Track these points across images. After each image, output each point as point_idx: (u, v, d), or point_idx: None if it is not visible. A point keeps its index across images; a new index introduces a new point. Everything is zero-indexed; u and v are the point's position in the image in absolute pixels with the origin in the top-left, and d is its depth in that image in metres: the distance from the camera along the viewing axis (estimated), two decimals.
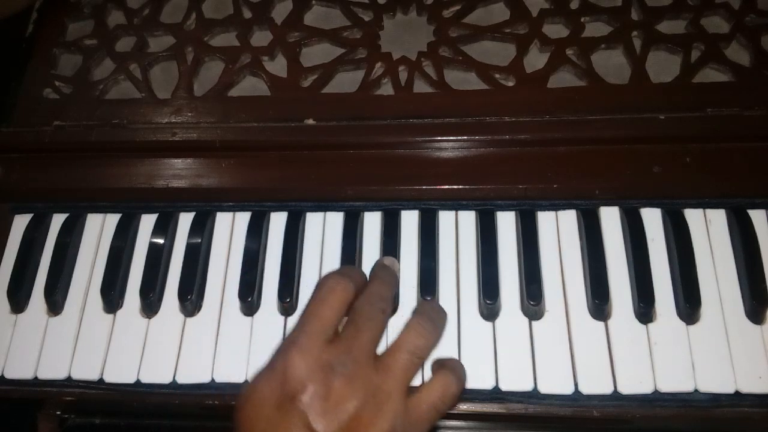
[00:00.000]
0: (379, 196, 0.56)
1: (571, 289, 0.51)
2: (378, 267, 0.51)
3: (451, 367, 0.45)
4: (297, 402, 0.39)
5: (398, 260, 0.54)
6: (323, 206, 0.57)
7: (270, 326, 0.53)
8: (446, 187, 0.55)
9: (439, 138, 0.56)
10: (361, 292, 0.47)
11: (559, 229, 0.54)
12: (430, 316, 0.46)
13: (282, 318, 0.53)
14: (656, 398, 0.47)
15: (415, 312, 0.46)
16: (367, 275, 0.50)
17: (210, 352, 0.52)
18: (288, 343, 0.43)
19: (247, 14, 0.65)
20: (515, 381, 0.49)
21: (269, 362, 0.43)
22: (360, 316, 0.44)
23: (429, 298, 0.51)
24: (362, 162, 0.56)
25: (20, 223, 0.59)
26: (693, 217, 0.53)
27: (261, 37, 0.64)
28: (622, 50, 0.59)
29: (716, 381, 0.47)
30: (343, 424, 0.39)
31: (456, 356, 0.50)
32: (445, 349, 0.50)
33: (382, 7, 0.63)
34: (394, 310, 0.52)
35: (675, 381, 0.47)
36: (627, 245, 0.52)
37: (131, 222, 0.58)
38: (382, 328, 0.45)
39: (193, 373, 0.51)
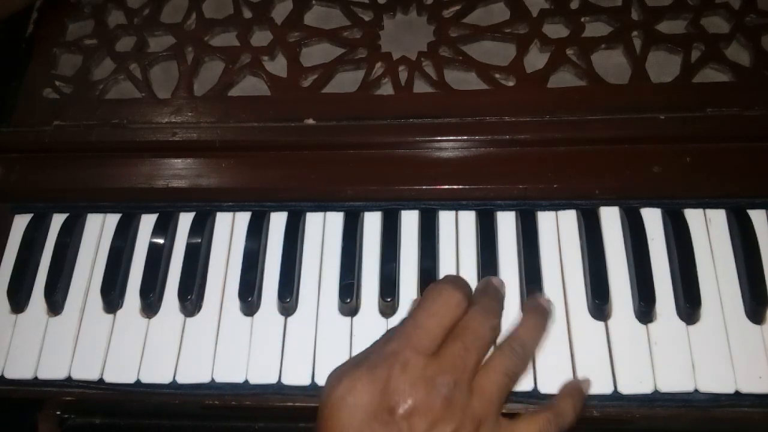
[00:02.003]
0: (379, 196, 0.56)
1: (571, 289, 0.52)
2: (488, 283, 0.49)
3: (556, 411, 0.44)
4: (396, 416, 0.39)
5: (398, 260, 0.54)
6: (323, 206, 0.57)
7: (270, 326, 0.53)
8: (446, 187, 0.55)
9: (439, 138, 0.56)
10: (471, 305, 0.46)
11: (559, 229, 0.54)
12: (522, 342, 0.45)
13: (282, 318, 0.53)
14: (656, 398, 0.47)
15: (508, 338, 0.45)
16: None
17: (210, 352, 0.52)
18: (392, 352, 0.41)
19: (247, 14, 0.65)
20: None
21: (369, 362, 0.41)
22: (471, 333, 0.43)
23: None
24: (362, 162, 0.56)
25: (20, 223, 0.59)
26: (693, 217, 0.53)
27: (261, 37, 0.64)
28: (622, 50, 0.59)
29: (716, 381, 0.47)
30: None
31: None
32: None
33: (382, 7, 0.63)
34: (394, 310, 0.52)
35: (675, 381, 0.48)
36: (627, 245, 0.52)
37: (131, 222, 0.58)
38: (489, 348, 0.44)
39: (193, 373, 0.51)
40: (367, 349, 0.44)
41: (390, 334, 0.44)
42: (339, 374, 0.42)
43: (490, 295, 0.48)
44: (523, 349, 0.45)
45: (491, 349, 0.45)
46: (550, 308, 0.50)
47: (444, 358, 0.42)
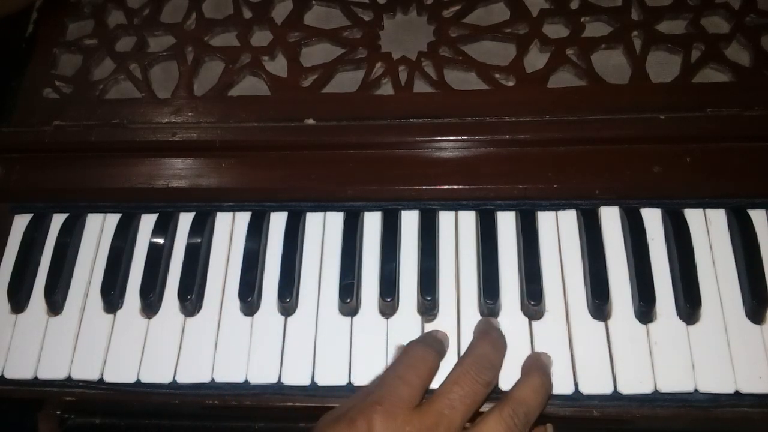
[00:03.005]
0: (379, 196, 0.56)
1: (571, 289, 0.51)
2: (489, 325, 0.48)
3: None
4: None
5: (398, 260, 0.54)
6: (323, 206, 0.57)
7: (270, 326, 0.52)
8: (446, 187, 0.55)
9: (439, 138, 0.56)
10: (468, 352, 0.44)
11: (559, 229, 0.54)
12: (530, 407, 0.42)
13: (282, 318, 0.53)
14: (656, 398, 0.47)
15: (510, 399, 0.42)
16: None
17: (210, 352, 0.52)
18: (372, 402, 0.40)
19: (247, 14, 0.65)
20: (515, 381, 0.48)
21: (349, 415, 0.40)
22: (460, 390, 0.41)
23: (429, 298, 0.51)
24: (362, 162, 0.56)
25: (20, 223, 0.59)
26: (693, 217, 0.53)
27: (261, 37, 0.64)
28: (622, 50, 0.59)
29: (716, 381, 0.47)
30: None
31: (456, 356, 0.49)
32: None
33: (382, 7, 0.63)
34: (394, 310, 0.52)
35: (675, 381, 0.48)
36: (627, 245, 0.52)
37: (131, 222, 0.58)
38: (480, 402, 0.42)
39: (193, 373, 0.51)
40: (348, 400, 0.44)
41: (370, 388, 0.43)
42: (321, 429, 0.41)
43: (491, 343, 0.45)
44: (527, 418, 0.42)
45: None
46: (551, 363, 0.48)
47: (427, 415, 0.40)
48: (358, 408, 0.41)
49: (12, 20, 0.67)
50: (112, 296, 0.54)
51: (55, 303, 0.55)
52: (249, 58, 0.62)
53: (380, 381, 0.43)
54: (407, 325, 0.51)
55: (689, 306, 0.49)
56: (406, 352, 0.45)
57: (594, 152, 0.54)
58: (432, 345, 0.46)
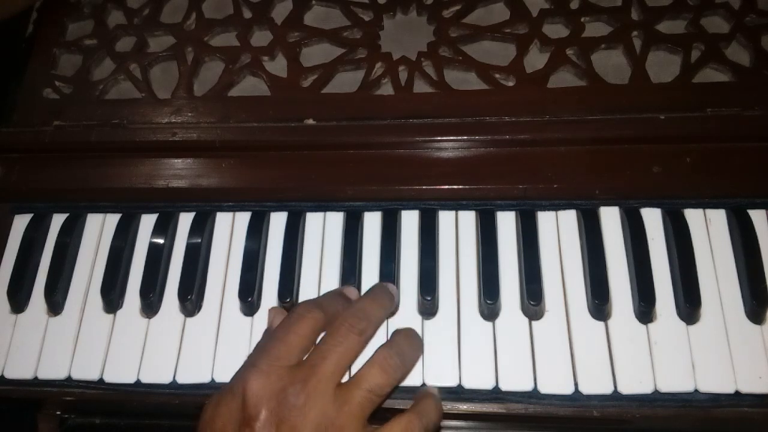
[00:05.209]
0: (379, 196, 0.56)
1: (571, 289, 0.51)
2: (376, 285, 0.50)
3: (418, 411, 0.44)
4: (255, 428, 0.39)
5: (398, 260, 0.54)
6: (323, 206, 0.57)
7: None
8: (446, 187, 0.55)
9: (439, 138, 0.56)
10: (348, 307, 0.46)
11: (559, 229, 0.54)
12: (400, 351, 0.45)
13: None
14: (656, 398, 0.47)
15: (387, 343, 0.46)
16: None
17: (210, 352, 0.52)
18: (248, 365, 0.42)
19: (247, 14, 0.65)
20: (515, 381, 0.49)
21: (229, 383, 0.43)
22: (331, 339, 0.43)
23: (429, 298, 0.51)
24: (362, 162, 0.56)
25: (20, 223, 0.59)
26: (693, 217, 0.53)
27: (261, 37, 0.64)
28: (622, 50, 0.59)
29: (716, 381, 0.47)
30: None
31: (456, 356, 0.50)
32: (445, 350, 0.50)
33: (382, 7, 0.63)
34: (393, 312, 0.52)
35: (675, 381, 0.48)
36: (627, 245, 0.52)
37: (131, 222, 0.58)
38: (355, 352, 0.44)
39: (193, 373, 0.51)
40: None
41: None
42: (209, 402, 0.43)
43: (372, 294, 0.48)
44: (401, 358, 0.44)
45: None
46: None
47: (300, 369, 0.42)
48: (236, 375, 0.43)
49: (12, 20, 0.67)
50: (112, 296, 0.54)
51: (55, 303, 0.55)
52: (249, 58, 0.62)
53: (257, 345, 0.45)
54: (407, 324, 0.51)
55: (689, 306, 0.49)
56: (289, 314, 0.46)
57: (594, 152, 0.54)
58: (317, 303, 0.46)
